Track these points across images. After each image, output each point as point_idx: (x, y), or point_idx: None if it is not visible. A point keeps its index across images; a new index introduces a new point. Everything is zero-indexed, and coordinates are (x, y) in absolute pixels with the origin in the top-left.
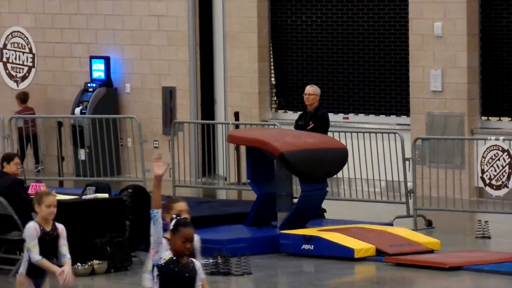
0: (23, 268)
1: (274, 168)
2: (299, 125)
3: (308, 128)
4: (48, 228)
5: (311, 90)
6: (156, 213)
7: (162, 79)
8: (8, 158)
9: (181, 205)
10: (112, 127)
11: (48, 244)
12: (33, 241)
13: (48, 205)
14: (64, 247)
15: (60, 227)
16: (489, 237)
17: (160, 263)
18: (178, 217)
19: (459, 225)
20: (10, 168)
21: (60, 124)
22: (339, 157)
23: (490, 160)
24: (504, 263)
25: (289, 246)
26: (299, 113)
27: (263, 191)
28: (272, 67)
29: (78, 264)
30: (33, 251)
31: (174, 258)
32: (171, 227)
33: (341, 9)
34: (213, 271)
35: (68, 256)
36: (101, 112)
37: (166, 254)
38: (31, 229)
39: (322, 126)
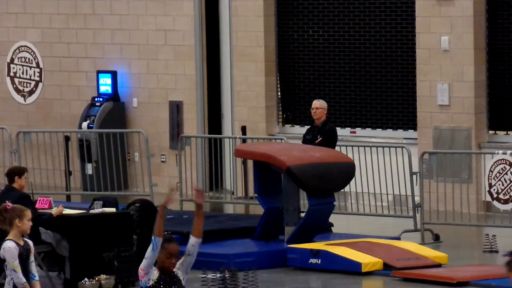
0: None
1: (281, 182)
2: (307, 139)
3: (316, 142)
4: (21, 244)
5: (318, 104)
6: (158, 241)
7: (169, 93)
8: (20, 172)
9: None
10: (119, 141)
11: (24, 261)
12: (16, 261)
13: (29, 219)
14: (33, 265)
15: (31, 243)
16: (496, 251)
17: (149, 284)
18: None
19: (466, 239)
20: (21, 182)
21: (67, 138)
22: (346, 171)
23: (498, 174)
24: None
25: (296, 260)
26: (307, 127)
27: (270, 205)
28: (279, 81)
29: (86, 279)
30: (18, 272)
31: (161, 276)
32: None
33: (348, 23)
34: (220, 286)
35: (37, 277)
36: (108, 127)
37: (155, 274)
38: (12, 249)
39: (330, 140)
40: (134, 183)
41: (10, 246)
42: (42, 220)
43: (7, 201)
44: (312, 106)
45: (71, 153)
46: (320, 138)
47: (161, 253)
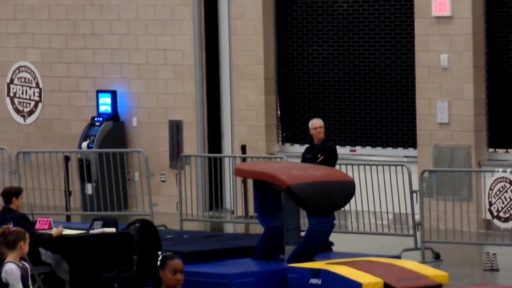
0: None
1: (281, 201)
2: (307, 158)
3: (318, 161)
4: (21, 266)
5: (320, 123)
6: None
7: (168, 113)
8: (17, 193)
9: None
10: (119, 161)
11: (24, 284)
12: (20, 283)
13: (28, 242)
14: (31, 287)
15: (27, 265)
16: (497, 270)
17: None
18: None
19: (467, 258)
20: (18, 202)
21: (67, 158)
22: (346, 190)
23: (498, 192)
24: None
25: (297, 280)
26: (306, 146)
27: (271, 224)
28: (278, 100)
29: None
30: None
31: None
32: (158, 263)
33: (347, 41)
34: None
35: None
36: (108, 146)
37: None
38: (15, 271)
39: (331, 159)
40: (134, 203)
41: (12, 268)
42: (41, 240)
43: (8, 224)
44: (314, 125)
45: (71, 173)
46: (322, 157)
47: (165, 272)
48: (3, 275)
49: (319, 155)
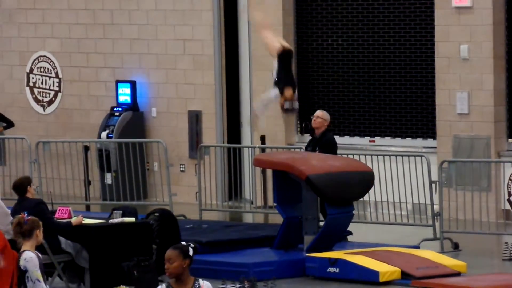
0: None
1: (301, 191)
2: (309, 151)
3: None
4: (36, 254)
5: (320, 114)
6: None
7: (188, 103)
8: (30, 181)
9: None
10: (139, 151)
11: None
12: (39, 270)
13: (42, 230)
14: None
15: (39, 254)
16: None
17: None
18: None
19: (486, 248)
20: (32, 190)
21: (86, 148)
22: (365, 180)
23: None
24: None
25: (315, 269)
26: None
27: (290, 215)
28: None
29: None
30: (42, 282)
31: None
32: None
33: (366, 32)
34: None
35: None
36: (127, 136)
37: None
38: (34, 259)
39: (328, 152)
40: (153, 192)
41: (31, 256)
42: (60, 226)
43: (23, 213)
44: (314, 114)
45: (90, 163)
46: (318, 151)
47: None
48: (22, 262)
49: (316, 148)
